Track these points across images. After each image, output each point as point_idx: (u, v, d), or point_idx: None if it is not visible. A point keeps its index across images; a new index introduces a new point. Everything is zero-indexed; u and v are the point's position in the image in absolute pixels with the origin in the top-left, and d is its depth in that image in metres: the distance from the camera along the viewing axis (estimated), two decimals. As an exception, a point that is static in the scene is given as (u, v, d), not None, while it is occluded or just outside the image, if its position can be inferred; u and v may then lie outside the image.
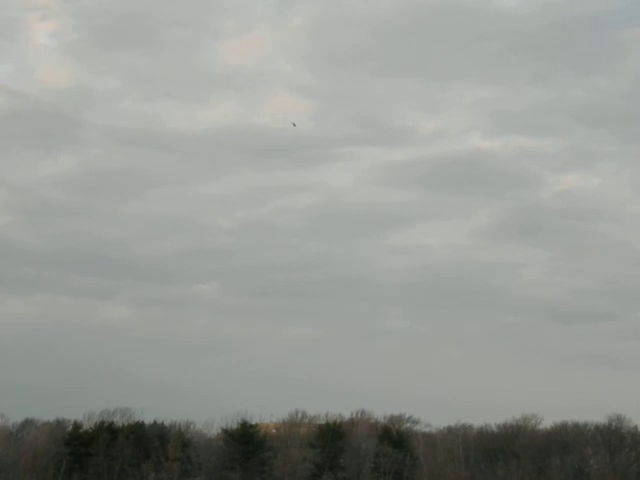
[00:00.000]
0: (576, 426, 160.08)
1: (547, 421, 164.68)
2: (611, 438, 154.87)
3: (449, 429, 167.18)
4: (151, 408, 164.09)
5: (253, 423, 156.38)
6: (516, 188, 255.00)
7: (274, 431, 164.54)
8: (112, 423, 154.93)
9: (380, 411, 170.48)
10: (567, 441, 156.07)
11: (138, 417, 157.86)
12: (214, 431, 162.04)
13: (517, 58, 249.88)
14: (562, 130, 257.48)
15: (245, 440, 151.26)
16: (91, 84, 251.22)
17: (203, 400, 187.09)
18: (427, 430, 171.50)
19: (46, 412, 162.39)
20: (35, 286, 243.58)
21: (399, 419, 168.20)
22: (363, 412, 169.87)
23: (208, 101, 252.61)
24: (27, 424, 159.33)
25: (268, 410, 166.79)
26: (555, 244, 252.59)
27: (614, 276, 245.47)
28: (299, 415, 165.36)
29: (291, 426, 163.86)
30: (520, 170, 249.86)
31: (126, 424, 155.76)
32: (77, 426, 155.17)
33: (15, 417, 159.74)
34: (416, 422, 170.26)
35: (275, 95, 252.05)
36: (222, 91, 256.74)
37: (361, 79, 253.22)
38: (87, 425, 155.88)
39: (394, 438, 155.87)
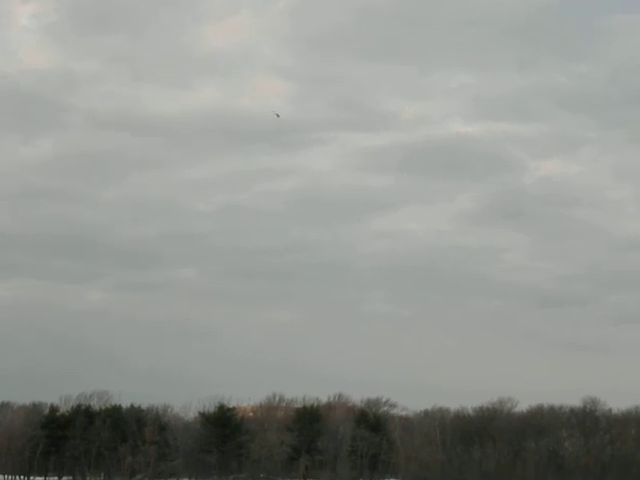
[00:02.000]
0: (551, 409, 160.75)
1: (523, 404, 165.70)
2: (586, 421, 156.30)
3: (426, 413, 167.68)
4: (128, 392, 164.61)
5: (230, 406, 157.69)
6: (498, 173, 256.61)
7: (251, 414, 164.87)
8: (89, 406, 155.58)
9: (357, 395, 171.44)
10: (542, 424, 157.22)
11: (115, 400, 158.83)
12: (191, 414, 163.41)
13: (500, 43, 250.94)
14: (544, 116, 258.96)
15: (222, 423, 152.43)
16: (72, 67, 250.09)
17: (180, 384, 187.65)
18: (404, 414, 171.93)
19: (22, 395, 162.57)
20: (15, 270, 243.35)
21: (376, 403, 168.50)
22: (340, 396, 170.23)
23: (190, 85, 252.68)
24: (3, 407, 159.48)
25: (246, 393, 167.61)
26: (537, 229, 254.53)
27: (594, 261, 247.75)
28: (276, 399, 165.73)
29: (268, 409, 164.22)
30: (502, 155, 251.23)
31: (103, 407, 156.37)
32: (54, 409, 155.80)
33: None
34: (393, 406, 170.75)
35: (257, 79, 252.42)
36: (204, 75, 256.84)
37: (344, 63, 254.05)
38: (64, 408, 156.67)
39: (371, 422, 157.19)
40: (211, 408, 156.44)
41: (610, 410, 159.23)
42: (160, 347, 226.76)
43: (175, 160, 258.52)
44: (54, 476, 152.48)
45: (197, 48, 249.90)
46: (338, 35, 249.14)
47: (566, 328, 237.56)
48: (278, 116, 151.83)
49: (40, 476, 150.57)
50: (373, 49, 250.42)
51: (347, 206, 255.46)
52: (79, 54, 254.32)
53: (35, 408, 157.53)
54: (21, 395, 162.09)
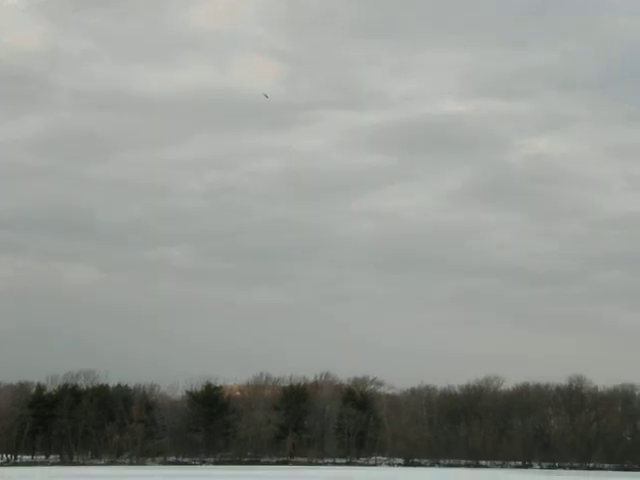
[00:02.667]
0: (537, 387, 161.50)
1: (509, 382, 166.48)
2: (572, 399, 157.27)
3: (412, 391, 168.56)
4: (115, 371, 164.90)
5: (217, 385, 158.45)
6: (486, 152, 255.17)
7: (238, 393, 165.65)
8: (76, 386, 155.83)
9: (344, 373, 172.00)
10: (528, 402, 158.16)
11: (102, 380, 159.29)
12: (178, 393, 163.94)
13: (491, 22, 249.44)
14: (533, 94, 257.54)
15: (209, 402, 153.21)
16: (60, 46, 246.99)
17: (168, 363, 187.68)
18: (391, 392, 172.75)
19: (9, 375, 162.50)
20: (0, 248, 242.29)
21: (363, 381, 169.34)
22: (327, 374, 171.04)
23: (179, 64, 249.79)
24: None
25: (233, 373, 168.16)
26: (524, 207, 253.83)
27: (581, 239, 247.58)
28: (263, 378, 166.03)
29: (255, 388, 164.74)
30: (491, 134, 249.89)
31: (90, 387, 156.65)
32: (40, 388, 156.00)
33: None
34: (380, 384, 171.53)
35: (247, 58, 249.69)
36: (193, 54, 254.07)
37: (332, 41, 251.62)
38: (51, 388, 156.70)
39: (358, 400, 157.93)
40: (198, 387, 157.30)
41: (596, 388, 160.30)
42: (147, 327, 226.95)
43: (162, 139, 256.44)
44: (41, 455, 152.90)
45: (186, 27, 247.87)
46: (328, 14, 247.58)
47: (552, 306, 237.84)
48: (267, 97, 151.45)
49: (27, 455, 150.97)
50: (364, 28, 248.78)
51: (335, 185, 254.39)
52: (66, 33, 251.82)
53: (22, 388, 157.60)
54: (7, 375, 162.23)
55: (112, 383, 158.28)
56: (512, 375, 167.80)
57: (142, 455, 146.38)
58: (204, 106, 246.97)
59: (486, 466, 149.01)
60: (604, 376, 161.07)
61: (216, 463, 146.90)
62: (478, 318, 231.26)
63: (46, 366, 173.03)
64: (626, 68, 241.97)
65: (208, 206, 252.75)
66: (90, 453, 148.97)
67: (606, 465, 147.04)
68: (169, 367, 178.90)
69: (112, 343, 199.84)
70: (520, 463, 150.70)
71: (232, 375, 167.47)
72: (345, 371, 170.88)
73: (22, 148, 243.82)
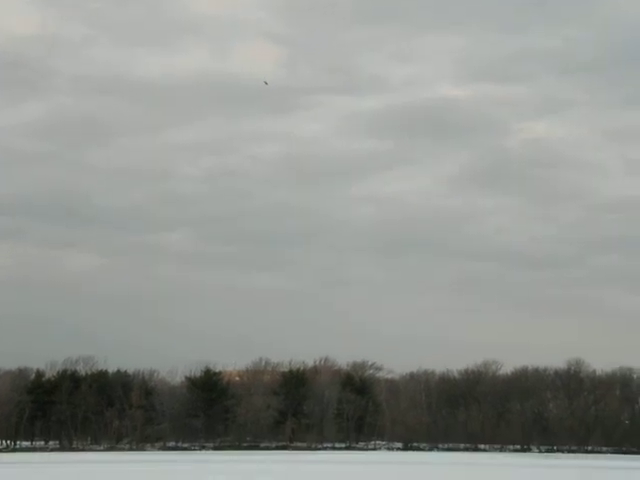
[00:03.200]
0: (536, 371, 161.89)
1: (508, 367, 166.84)
2: (570, 382, 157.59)
3: (411, 375, 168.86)
4: (114, 357, 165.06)
5: (217, 371, 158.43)
6: (485, 136, 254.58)
7: (237, 379, 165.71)
8: (75, 372, 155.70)
9: (343, 358, 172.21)
10: (527, 386, 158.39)
11: (101, 366, 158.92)
12: (178, 379, 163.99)
13: (493, 10, 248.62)
14: (532, 79, 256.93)
15: (208, 388, 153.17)
16: (59, 31, 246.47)
17: (167, 348, 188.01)
18: (390, 376, 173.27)
19: (8, 361, 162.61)
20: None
21: (362, 366, 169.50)
22: (326, 359, 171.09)
23: (178, 48, 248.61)
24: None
25: (232, 358, 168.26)
26: (522, 192, 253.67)
27: (579, 223, 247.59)
28: (262, 363, 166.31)
29: (254, 374, 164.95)
30: (489, 118, 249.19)
31: (89, 373, 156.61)
32: (40, 375, 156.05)
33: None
34: (379, 369, 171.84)
35: (247, 43, 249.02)
36: (193, 38, 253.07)
37: (333, 26, 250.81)
38: (50, 374, 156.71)
39: (357, 385, 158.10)
40: (197, 372, 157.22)
41: (594, 371, 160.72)
42: (146, 312, 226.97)
43: (163, 124, 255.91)
44: (41, 440, 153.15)
45: (186, 12, 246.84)
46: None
47: (551, 290, 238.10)
48: (266, 84, 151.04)
49: (27, 441, 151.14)
50: (364, 13, 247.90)
51: (335, 170, 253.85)
52: (65, 18, 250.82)
53: (21, 373, 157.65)
54: (7, 361, 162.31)
55: (111, 369, 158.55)
56: (510, 359, 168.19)
57: (141, 441, 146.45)
58: (204, 91, 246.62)
59: (485, 450, 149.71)
60: (603, 360, 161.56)
61: (215, 448, 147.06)
62: (477, 303, 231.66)
63: (45, 352, 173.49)
64: (625, 51, 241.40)
65: (208, 191, 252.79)
66: (89, 439, 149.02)
67: (604, 448, 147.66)
68: (168, 353, 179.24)
69: (111, 329, 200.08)
70: (519, 447, 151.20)
71: (231, 360, 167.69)
72: (344, 356, 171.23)
73: (22, 134, 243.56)
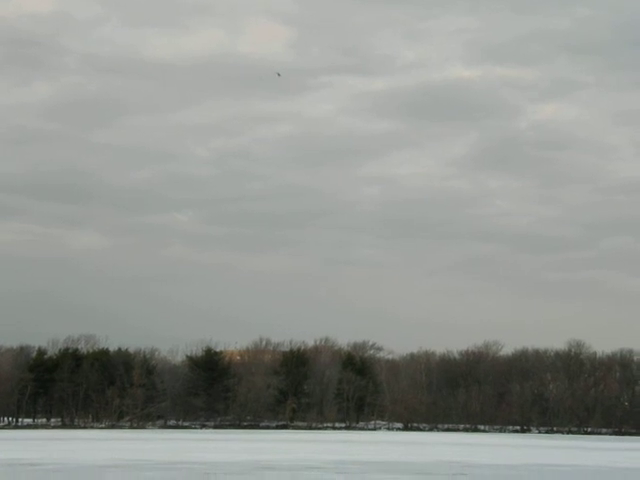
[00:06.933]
0: (536, 352, 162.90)
1: (508, 348, 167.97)
2: (570, 364, 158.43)
3: (412, 356, 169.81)
4: (116, 335, 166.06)
5: (217, 350, 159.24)
6: (494, 118, 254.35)
7: (238, 358, 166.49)
8: (76, 350, 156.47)
9: (344, 338, 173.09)
10: (527, 367, 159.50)
11: (103, 344, 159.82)
12: (179, 358, 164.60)
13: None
14: (544, 60, 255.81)
15: (209, 367, 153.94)
16: (69, 10, 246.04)
17: (168, 327, 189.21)
18: (390, 357, 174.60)
19: (10, 338, 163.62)
20: (5, 213, 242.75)
21: (362, 346, 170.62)
22: (327, 339, 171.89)
23: (188, 28, 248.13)
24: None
25: (233, 338, 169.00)
26: (531, 174, 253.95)
27: (588, 206, 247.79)
28: (263, 342, 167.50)
29: (255, 353, 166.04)
30: (499, 100, 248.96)
31: (90, 351, 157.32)
32: (41, 352, 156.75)
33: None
34: (379, 349, 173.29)
35: (257, 23, 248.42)
36: (203, 18, 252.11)
37: (343, 7, 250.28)
38: (51, 352, 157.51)
39: (357, 365, 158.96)
40: (198, 352, 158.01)
41: (595, 353, 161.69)
42: (147, 291, 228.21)
43: (171, 104, 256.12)
44: (43, 418, 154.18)
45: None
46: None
47: (555, 272, 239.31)
48: (279, 75, 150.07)
49: (29, 418, 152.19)
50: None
51: (342, 151, 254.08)
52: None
53: (23, 351, 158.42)
54: (9, 338, 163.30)
55: (112, 347, 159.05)
56: (511, 340, 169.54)
57: (142, 419, 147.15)
58: (214, 71, 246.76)
59: (484, 430, 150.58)
60: (604, 342, 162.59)
61: (216, 427, 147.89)
62: (479, 284, 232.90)
63: (47, 330, 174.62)
64: (637, 33, 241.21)
65: (215, 172, 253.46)
66: (91, 417, 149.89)
67: (604, 430, 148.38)
68: (170, 332, 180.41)
69: (113, 308, 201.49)
70: (518, 428, 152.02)
71: (232, 340, 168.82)
72: (345, 336, 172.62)
73: (30, 112, 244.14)
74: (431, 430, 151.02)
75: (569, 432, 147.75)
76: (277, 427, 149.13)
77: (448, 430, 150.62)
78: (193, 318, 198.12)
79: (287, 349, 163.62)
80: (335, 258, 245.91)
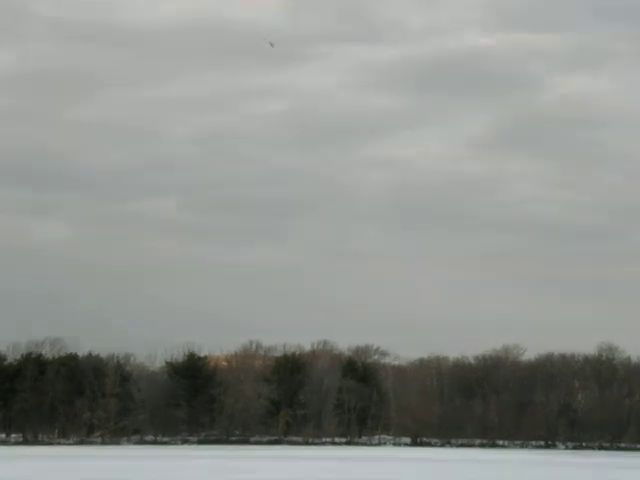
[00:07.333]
0: (562, 357, 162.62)
1: (531, 352, 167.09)
2: (601, 370, 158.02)
3: (421, 361, 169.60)
4: (86, 338, 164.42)
5: (201, 355, 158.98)
6: (516, 91, 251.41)
7: (225, 364, 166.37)
8: (40, 355, 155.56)
9: (344, 342, 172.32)
10: (553, 374, 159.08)
11: (71, 348, 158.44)
12: (157, 364, 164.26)
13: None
14: (571, 26, 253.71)
15: (192, 374, 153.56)
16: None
17: (145, 329, 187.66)
18: (396, 363, 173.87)
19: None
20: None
21: (365, 350, 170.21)
22: (325, 343, 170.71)
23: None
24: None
25: (219, 341, 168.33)
26: (556, 155, 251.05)
27: (619, 192, 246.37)
28: (253, 346, 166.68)
29: (244, 358, 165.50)
30: (522, 71, 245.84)
31: (56, 356, 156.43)
32: (0, 358, 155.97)
33: None
34: (384, 354, 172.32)
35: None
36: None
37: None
38: (11, 357, 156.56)
39: (360, 371, 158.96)
40: (180, 357, 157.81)
41: (629, 358, 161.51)
42: (125, 288, 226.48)
43: (150, 76, 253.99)
44: (1, 433, 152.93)
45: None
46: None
47: (584, 266, 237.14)
48: (272, 45, 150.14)
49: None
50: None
51: (343, 129, 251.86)
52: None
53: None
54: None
55: (82, 352, 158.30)
56: (534, 344, 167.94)
57: (116, 434, 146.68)
58: (199, 39, 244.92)
59: (504, 446, 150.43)
60: (638, 345, 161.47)
61: (200, 442, 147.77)
62: (498, 279, 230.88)
63: (7, 333, 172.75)
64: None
65: (200, 153, 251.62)
66: (57, 431, 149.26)
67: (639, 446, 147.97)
68: (147, 334, 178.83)
69: (83, 307, 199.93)
70: (542, 443, 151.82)
71: (218, 343, 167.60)
72: (345, 339, 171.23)
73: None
74: (443, 446, 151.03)
75: (600, 448, 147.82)
76: (269, 442, 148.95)
77: (462, 446, 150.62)
78: (174, 318, 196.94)
79: (280, 354, 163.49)
80: (334, 251, 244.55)
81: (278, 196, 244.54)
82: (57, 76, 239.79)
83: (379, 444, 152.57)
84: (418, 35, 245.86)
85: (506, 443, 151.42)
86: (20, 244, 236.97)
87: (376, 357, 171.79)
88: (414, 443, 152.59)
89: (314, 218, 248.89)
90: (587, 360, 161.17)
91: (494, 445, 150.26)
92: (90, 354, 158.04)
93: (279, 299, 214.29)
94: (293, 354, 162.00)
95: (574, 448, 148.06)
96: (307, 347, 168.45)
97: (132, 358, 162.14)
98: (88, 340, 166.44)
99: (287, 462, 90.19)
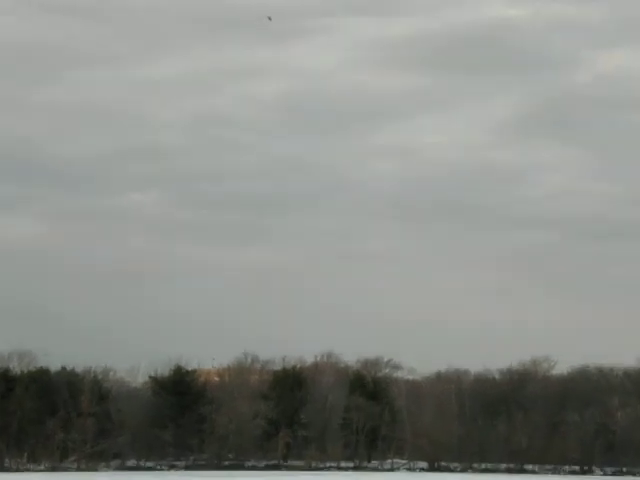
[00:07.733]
0: (599, 371, 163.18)
1: (563, 365, 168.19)
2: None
3: (438, 376, 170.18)
4: (58, 351, 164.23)
5: (190, 369, 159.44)
6: (546, 70, 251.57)
7: (217, 379, 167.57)
8: (7, 370, 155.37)
9: (351, 354, 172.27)
10: (588, 390, 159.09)
11: (41, 362, 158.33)
12: (140, 379, 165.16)
13: None
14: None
15: (179, 390, 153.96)
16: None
17: (126, 340, 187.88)
18: (411, 377, 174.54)
19: None
20: None
21: (375, 364, 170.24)
22: (330, 355, 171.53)
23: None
24: None
25: (209, 353, 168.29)
26: (592, 141, 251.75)
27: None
28: (249, 359, 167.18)
29: (238, 373, 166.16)
30: (553, 47, 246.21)
31: (25, 371, 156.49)
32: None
33: None
34: (397, 367, 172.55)
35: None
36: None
37: None
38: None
39: (369, 387, 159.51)
40: (165, 371, 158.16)
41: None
42: (102, 294, 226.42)
43: (130, 53, 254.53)
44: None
45: None
46: None
47: (623, 268, 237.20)
48: (270, 19, 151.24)
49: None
50: None
51: (349, 114, 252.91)
52: None
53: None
54: None
55: (54, 366, 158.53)
56: (567, 356, 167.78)
57: (93, 458, 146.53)
58: (186, 12, 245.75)
59: (533, 471, 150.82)
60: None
61: (188, 468, 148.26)
62: (525, 283, 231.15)
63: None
64: None
65: (187, 140, 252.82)
66: (26, 456, 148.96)
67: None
68: (128, 345, 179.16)
69: (54, 315, 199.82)
70: (577, 468, 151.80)
71: (209, 356, 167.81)
72: (353, 351, 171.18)
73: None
74: (464, 471, 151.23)
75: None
76: (267, 467, 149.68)
77: (486, 471, 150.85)
78: (158, 327, 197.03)
79: (279, 367, 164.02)
80: (340, 251, 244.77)
81: (274, 190, 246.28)
82: (26, 54, 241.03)
83: (391, 469, 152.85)
84: (434, 6, 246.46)
85: (536, 468, 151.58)
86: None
87: (387, 371, 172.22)
88: (431, 468, 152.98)
89: (316, 214, 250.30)
90: (627, 374, 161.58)
91: (522, 470, 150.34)
92: (64, 368, 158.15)
93: (278, 306, 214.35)
94: (293, 368, 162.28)
95: (613, 474, 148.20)
96: (309, 360, 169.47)
97: (111, 373, 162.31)
98: (61, 352, 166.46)
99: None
